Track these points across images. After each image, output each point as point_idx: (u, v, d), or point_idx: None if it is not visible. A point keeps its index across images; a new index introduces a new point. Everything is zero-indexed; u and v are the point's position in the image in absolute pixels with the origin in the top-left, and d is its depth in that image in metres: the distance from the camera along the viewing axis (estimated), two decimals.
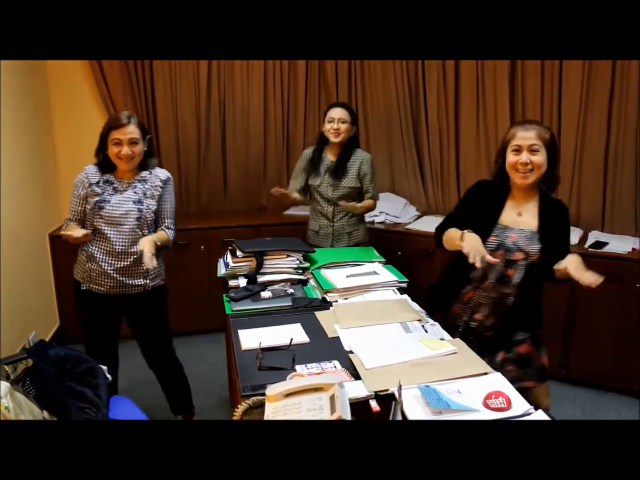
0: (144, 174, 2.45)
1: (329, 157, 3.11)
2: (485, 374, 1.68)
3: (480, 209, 2.08)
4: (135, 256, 2.39)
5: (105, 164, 2.40)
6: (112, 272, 2.38)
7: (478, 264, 1.81)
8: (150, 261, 2.20)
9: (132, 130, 2.33)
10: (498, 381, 1.62)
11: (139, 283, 2.45)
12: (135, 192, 2.40)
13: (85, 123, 3.80)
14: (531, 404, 2.06)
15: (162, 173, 2.49)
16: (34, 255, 3.41)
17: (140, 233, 2.40)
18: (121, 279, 2.40)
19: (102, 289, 2.41)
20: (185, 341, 3.57)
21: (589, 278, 1.73)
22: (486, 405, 1.49)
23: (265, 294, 2.33)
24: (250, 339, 1.92)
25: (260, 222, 3.87)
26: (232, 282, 2.46)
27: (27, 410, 1.62)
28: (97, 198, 2.35)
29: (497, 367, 2.01)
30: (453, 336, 2.01)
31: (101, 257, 2.37)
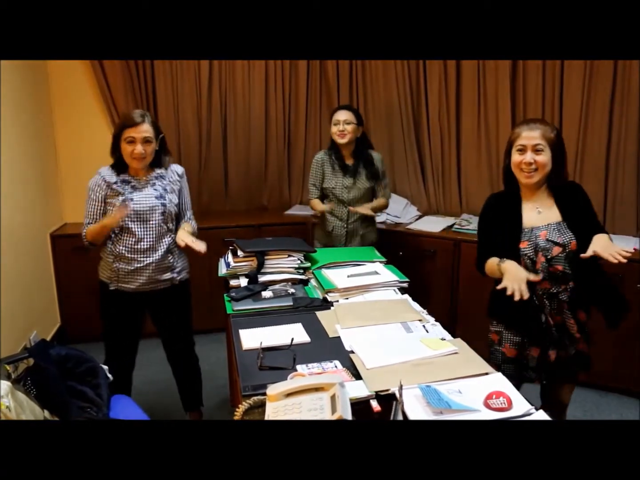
0: (160, 171, 2.47)
1: (343, 159, 3.14)
2: (486, 374, 1.68)
3: (500, 221, 2.08)
4: (161, 251, 2.43)
5: (118, 165, 2.41)
6: (142, 268, 2.41)
7: (526, 295, 1.82)
8: (200, 245, 2.34)
9: (146, 129, 2.34)
10: (499, 381, 1.62)
11: (167, 277, 2.49)
12: (155, 189, 2.43)
13: (86, 123, 3.80)
14: (557, 399, 2.15)
15: (178, 168, 2.55)
16: (34, 254, 3.41)
17: (165, 227, 2.44)
18: (151, 274, 2.44)
19: (132, 286, 2.44)
20: None
21: (618, 256, 1.77)
22: (487, 405, 1.49)
23: (266, 293, 2.33)
24: (251, 338, 1.92)
25: (261, 221, 3.87)
26: (233, 282, 2.46)
27: (28, 409, 1.62)
28: (121, 198, 2.37)
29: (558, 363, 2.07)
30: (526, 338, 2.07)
31: (130, 255, 2.40)
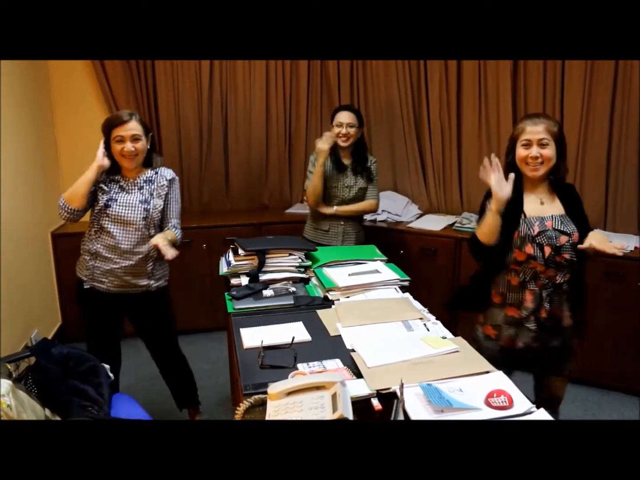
0: (150, 174, 2.44)
1: (343, 159, 3.17)
2: (487, 372, 1.68)
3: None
4: (140, 256, 2.40)
5: (111, 167, 2.39)
6: (117, 270, 2.39)
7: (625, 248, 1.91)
8: (169, 251, 2.22)
9: (134, 127, 2.33)
10: (500, 379, 1.62)
11: (143, 283, 2.45)
12: (142, 193, 2.40)
13: (88, 122, 3.80)
14: (550, 393, 2.18)
15: (168, 173, 2.48)
16: (36, 253, 3.42)
17: (147, 233, 2.40)
18: (126, 277, 2.41)
19: (105, 287, 2.42)
20: (187, 339, 3.56)
21: (614, 248, 1.87)
22: (488, 404, 1.49)
23: (267, 292, 2.33)
24: (252, 337, 1.93)
25: (262, 220, 3.88)
26: (234, 281, 2.46)
27: (29, 408, 1.63)
28: (106, 197, 2.35)
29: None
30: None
31: (107, 254, 2.38)
